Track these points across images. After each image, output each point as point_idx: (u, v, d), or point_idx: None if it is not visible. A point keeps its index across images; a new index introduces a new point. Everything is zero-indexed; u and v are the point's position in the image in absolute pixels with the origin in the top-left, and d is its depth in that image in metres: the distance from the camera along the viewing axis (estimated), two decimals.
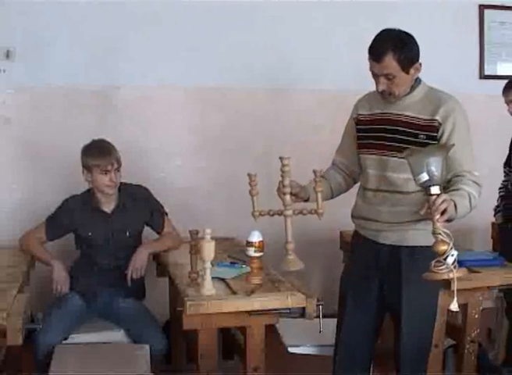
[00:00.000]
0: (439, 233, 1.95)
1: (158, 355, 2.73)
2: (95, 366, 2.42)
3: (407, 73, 2.20)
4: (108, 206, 2.94)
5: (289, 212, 2.27)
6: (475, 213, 3.53)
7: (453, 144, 2.10)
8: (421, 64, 2.23)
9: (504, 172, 3.28)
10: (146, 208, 3.01)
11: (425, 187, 1.99)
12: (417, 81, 2.29)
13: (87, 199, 2.95)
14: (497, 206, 3.28)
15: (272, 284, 2.47)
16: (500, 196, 3.28)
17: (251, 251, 2.44)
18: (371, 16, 3.93)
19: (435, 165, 1.97)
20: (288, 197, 2.27)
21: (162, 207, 3.09)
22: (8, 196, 3.56)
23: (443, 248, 1.95)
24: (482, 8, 4.20)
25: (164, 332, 2.84)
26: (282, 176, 2.26)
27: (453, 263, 1.95)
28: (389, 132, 2.28)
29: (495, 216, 3.29)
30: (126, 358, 2.50)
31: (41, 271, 3.02)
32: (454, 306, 2.04)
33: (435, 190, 1.98)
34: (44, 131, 3.57)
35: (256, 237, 2.43)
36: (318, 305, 2.35)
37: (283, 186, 2.26)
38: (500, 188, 3.29)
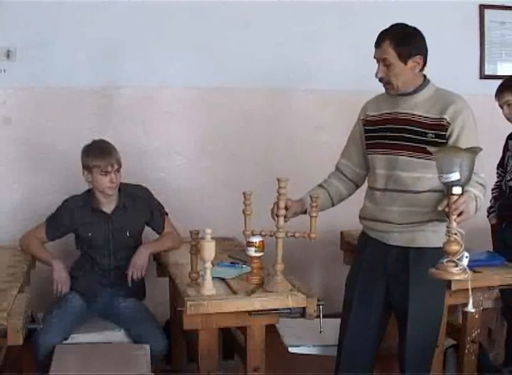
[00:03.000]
0: (455, 234, 1.95)
1: (159, 355, 2.73)
2: (96, 366, 2.42)
3: (405, 63, 2.24)
4: (109, 206, 2.94)
5: (282, 234, 2.30)
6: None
7: (481, 149, 2.06)
8: (422, 59, 2.27)
9: (497, 173, 3.29)
10: (146, 208, 3.01)
11: (449, 186, 1.98)
12: (426, 81, 2.33)
13: (87, 199, 2.95)
14: (491, 207, 3.29)
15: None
16: (494, 197, 3.29)
17: (252, 251, 2.44)
18: (372, 16, 3.92)
19: (467, 165, 1.97)
20: (282, 219, 2.30)
21: (163, 207, 3.09)
22: (8, 196, 3.56)
23: (456, 248, 1.95)
24: (482, 8, 4.19)
25: (164, 332, 2.84)
26: (277, 198, 2.28)
27: (466, 263, 1.97)
28: (397, 131, 2.29)
29: (488, 216, 3.29)
30: (126, 358, 2.50)
31: (42, 271, 3.02)
32: (471, 307, 2.07)
33: (457, 190, 1.98)
34: (44, 131, 3.57)
35: (256, 237, 2.43)
36: (318, 305, 2.35)
37: (278, 208, 2.28)
38: (493, 189, 3.30)
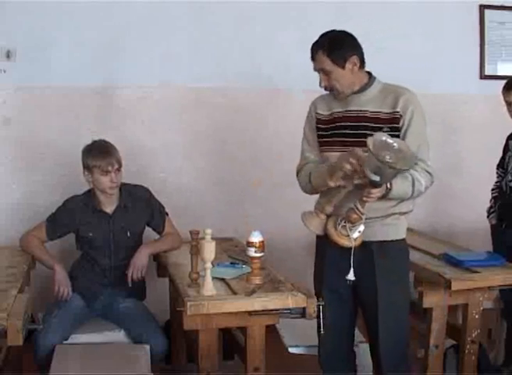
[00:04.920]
0: (357, 208, 2.16)
1: (159, 355, 2.73)
2: (96, 366, 2.42)
3: (343, 67, 2.31)
4: (109, 207, 2.94)
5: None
6: (475, 213, 3.55)
7: (408, 169, 2.16)
8: (358, 58, 2.32)
9: (497, 173, 3.29)
10: (147, 208, 3.01)
11: (370, 170, 2.09)
12: (372, 78, 2.38)
13: (87, 199, 2.95)
14: (490, 207, 3.29)
15: (272, 284, 2.47)
16: (493, 197, 3.28)
17: (252, 252, 2.43)
18: (371, 16, 3.93)
19: (391, 176, 2.11)
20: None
21: (163, 207, 3.09)
22: (8, 196, 3.56)
23: (355, 216, 2.17)
24: (482, 8, 4.19)
25: (164, 332, 2.83)
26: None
27: (356, 236, 2.21)
28: (352, 128, 2.34)
29: (488, 217, 3.29)
30: (126, 359, 2.50)
31: (41, 271, 3.01)
32: (351, 276, 2.27)
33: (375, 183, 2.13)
34: (44, 131, 3.57)
35: (256, 237, 2.42)
36: (318, 306, 2.35)
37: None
38: (493, 189, 3.30)
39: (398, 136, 2.28)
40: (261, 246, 2.43)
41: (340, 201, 2.27)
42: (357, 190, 2.19)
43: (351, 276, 2.27)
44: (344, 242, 2.22)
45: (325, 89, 2.39)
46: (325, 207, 2.24)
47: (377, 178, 2.08)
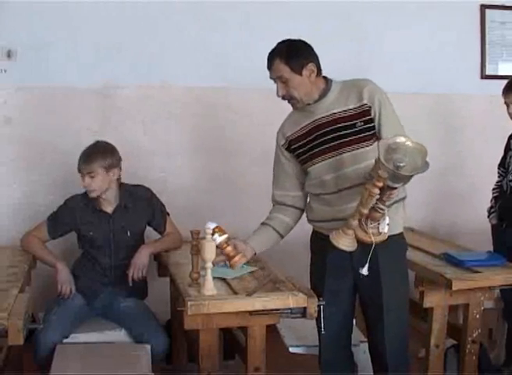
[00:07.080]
0: (379, 208, 2.13)
1: (159, 355, 2.73)
2: (96, 365, 2.42)
3: (300, 74, 2.31)
4: (109, 206, 2.94)
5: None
6: (476, 213, 3.55)
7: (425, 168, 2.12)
8: (315, 66, 2.33)
9: (498, 173, 3.29)
10: (148, 208, 3.01)
11: (391, 181, 2.07)
12: (329, 82, 2.38)
13: (88, 199, 2.95)
14: (491, 207, 3.28)
15: (273, 284, 2.47)
16: (494, 197, 3.28)
17: (217, 238, 2.30)
18: (371, 15, 3.93)
19: (409, 177, 2.09)
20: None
21: (164, 207, 3.09)
22: (8, 196, 3.56)
23: (379, 215, 2.14)
24: (483, 8, 4.19)
25: (165, 332, 2.83)
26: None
27: (387, 230, 2.20)
28: (327, 134, 2.33)
29: (489, 216, 3.29)
30: (127, 358, 2.50)
31: (42, 271, 3.02)
32: (365, 270, 2.23)
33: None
34: (44, 131, 3.56)
35: (211, 225, 2.30)
36: (319, 305, 2.35)
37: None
38: (494, 189, 3.29)
39: (373, 127, 2.28)
40: (220, 230, 2.31)
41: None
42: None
43: (365, 271, 2.24)
44: (380, 239, 2.19)
45: (283, 98, 2.38)
46: (351, 222, 2.17)
47: (399, 184, 2.09)
